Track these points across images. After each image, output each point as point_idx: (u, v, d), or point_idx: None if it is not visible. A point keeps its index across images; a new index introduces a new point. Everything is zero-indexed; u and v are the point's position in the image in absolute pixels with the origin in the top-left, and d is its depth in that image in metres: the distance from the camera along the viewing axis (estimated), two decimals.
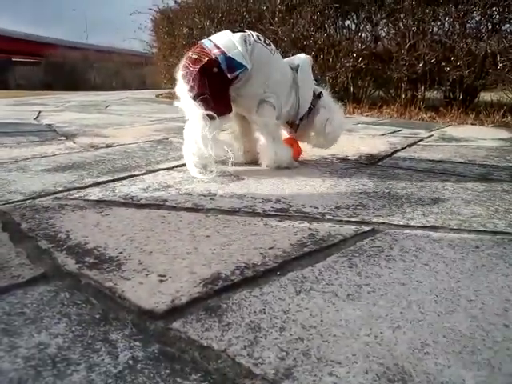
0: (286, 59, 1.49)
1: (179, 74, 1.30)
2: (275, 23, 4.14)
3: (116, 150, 1.79)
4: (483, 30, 3.27)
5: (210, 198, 1.09)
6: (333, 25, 4.02)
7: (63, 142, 2.00)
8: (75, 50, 16.35)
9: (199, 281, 0.65)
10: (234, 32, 1.33)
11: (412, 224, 0.92)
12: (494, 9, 3.15)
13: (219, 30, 1.37)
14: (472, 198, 1.13)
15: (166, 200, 1.07)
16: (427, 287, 0.64)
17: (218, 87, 1.27)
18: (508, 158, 1.75)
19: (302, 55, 1.52)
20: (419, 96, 3.68)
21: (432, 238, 0.84)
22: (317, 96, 1.50)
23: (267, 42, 1.38)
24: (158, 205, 1.03)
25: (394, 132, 2.54)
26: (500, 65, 3.06)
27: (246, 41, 1.30)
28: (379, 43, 3.85)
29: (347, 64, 3.74)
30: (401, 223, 0.92)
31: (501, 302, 0.61)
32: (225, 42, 1.29)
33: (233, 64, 1.26)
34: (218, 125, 1.28)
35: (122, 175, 1.33)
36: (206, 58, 1.25)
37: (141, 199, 1.08)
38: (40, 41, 18.88)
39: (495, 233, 0.88)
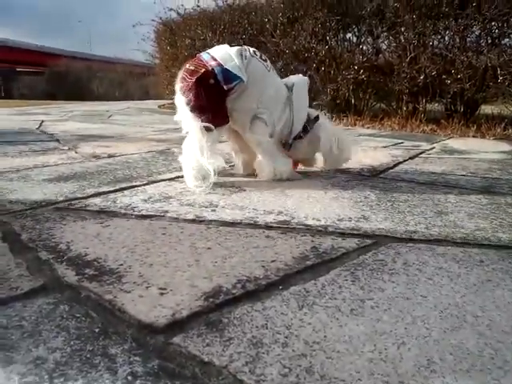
0: (283, 79, 1.49)
1: (177, 85, 1.31)
2: (277, 35, 4.18)
3: (118, 160, 1.79)
4: (483, 44, 3.30)
5: (212, 210, 1.08)
6: (334, 37, 4.05)
7: (65, 151, 2.01)
8: (79, 60, 16.47)
9: (200, 294, 0.64)
10: (231, 46, 1.35)
11: (415, 237, 0.91)
12: (493, 24, 3.18)
13: (221, 42, 1.39)
14: (475, 211, 1.12)
15: (167, 211, 1.06)
16: (432, 302, 0.63)
17: (214, 98, 1.28)
18: (510, 170, 1.74)
19: (300, 75, 1.53)
20: (420, 108, 3.69)
21: (436, 252, 0.83)
22: (314, 119, 1.49)
23: (263, 57, 1.39)
24: (159, 216, 1.03)
25: (396, 144, 2.54)
26: (500, 78, 3.08)
27: (242, 54, 1.31)
28: (380, 56, 3.88)
29: (348, 76, 3.75)
30: (404, 236, 0.92)
31: (508, 318, 0.59)
32: (222, 54, 1.30)
33: (229, 76, 1.27)
34: (216, 136, 1.30)
35: (123, 186, 1.32)
36: (203, 70, 1.26)
37: (142, 210, 1.07)
38: (44, 51, 19.03)
39: (500, 247, 0.87)
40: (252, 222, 0.99)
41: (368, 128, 3.55)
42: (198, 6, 5.23)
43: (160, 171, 1.56)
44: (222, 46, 1.36)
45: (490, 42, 3.28)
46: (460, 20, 3.21)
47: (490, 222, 1.03)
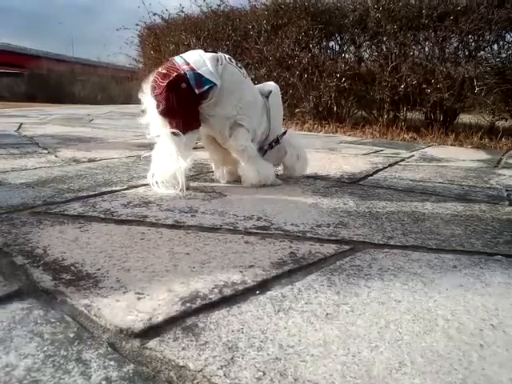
0: (256, 86, 1.51)
1: (148, 88, 1.30)
2: (261, 42, 4.21)
3: (98, 164, 1.78)
4: (461, 56, 3.40)
5: (192, 215, 1.08)
6: (317, 45, 4.10)
7: (45, 155, 1.98)
8: (60, 62, 16.26)
9: (177, 299, 0.64)
10: (206, 52, 1.35)
11: (391, 243, 0.93)
12: (469, 36, 3.29)
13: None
14: (450, 218, 1.15)
15: (146, 216, 1.06)
16: (405, 307, 0.65)
17: (185, 103, 1.27)
18: (485, 178, 1.79)
19: (272, 83, 1.56)
20: (401, 117, 3.76)
21: (411, 258, 0.85)
22: (283, 133, 1.55)
23: (239, 65, 1.40)
24: (138, 221, 1.02)
25: (376, 152, 2.57)
26: (477, 89, 3.16)
27: (218, 60, 1.31)
28: (362, 64, 3.94)
29: (331, 84, 3.80)
30: (380, 242, 0.93)
31: (477, 321, 0.61)
32: (195, 59, 1.30)
33: (201, 80, 1.27)
34: (187, 141, 1.30)
35: (103, 190, 1.31)
36: (175, 73, 1.26)
37: (121, 215, 1.07)
38: (24, 52, 18.73)
39: (472, 252, 0.90)
40: (232, 227, 1.00)
41: (349, 135, 3.60)
42: (182, 12, 5.24)
43: (140, 176, 1.55)
44: (196, 50, 1.37)
45: (467, 54, 3.38)
46: (439, 32, 3.29)
47: (465, 229, 1.06)
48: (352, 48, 4.01)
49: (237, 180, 1.49)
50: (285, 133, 1.56)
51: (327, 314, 0.62)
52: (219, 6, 4.72)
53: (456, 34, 3.25)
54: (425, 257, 0.86)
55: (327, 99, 3.93)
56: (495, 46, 3.30)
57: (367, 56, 3.95)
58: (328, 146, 2.78)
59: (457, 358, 0.52)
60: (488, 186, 1.64)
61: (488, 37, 3.23)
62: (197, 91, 1.27)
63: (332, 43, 4.14)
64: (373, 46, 3.84)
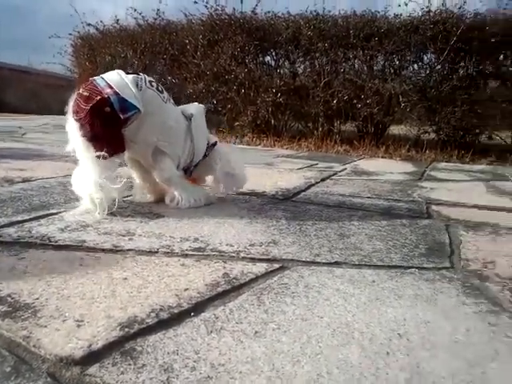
0: (179, 107, 1.50)
1: (69, 111, 1.28)
2: (198, 57, 4.26)
3: (34, 185, 1.73)
4: (387, 73, 3.66)
5: (129, 238, 1.11)
6: (253, 60, 4.22)
7: None
8: None
9: (116, 325, 0.68)
10: (128, 74, 1.33)
11: (318, 260, 1.01)
12: (393, 56, 3.57)
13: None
14: (374, 233, 1.25)
15: (84, 241, 1.07)
16: (326, 322, 0.72)
17: (109, 127, 1.26)
18: (409, 192, 1.95)
19: (196, 104, 1.55)
20: (335, 130, 3.95)
21: (335, 274, 0.93)
22: (211, 145, 1.53)
23: (160, 88, 1.39)
24: (77, 246, 1.03)
25: (311, 166, 2.70)
26: (402, 105, 3.42)
27: (137, 84, 1.30)
28: (297, 79, 4.10)
29: (267, 99, 3.92)
30: (308, 260, 1.01)
31: (387, 332, 0.70)
32: (118, 82, 1.28)
33: (126, 105, 1.26)
34: (111, 165, 1.30)
35: (39, 214, 1.29)
36: (98, 97, 1.24)
37: (59, 240, 1.07)
38: None
39: (391, 267, 1.00)
40: (168, 250, 1.03)
41: (287, 149, 3.73)
42: (118, 23, 5.17)
43: (78, 197, 1.53)
44: (117, 71, 1.34)
45: (392, 71, 3.65)
46: (366, 51, 3.53)
47: (386, 244, 1.16)
48: (287, 64, 4.18)
49: (161, 198, 1.50)
50: (214, 144, 1.54)
51: (256, 332, 0.68)
52: (155, 19, 4.72)
53: (382, 53, 3.51)
54: (348, 272, 0.95)
55: (264, 113, 4.06)
56: (415, 66, 3.60)
57: (301, 71, 4.12)
58: (265, 160, 2.87)
59: (366, 366, 0.60)
60: (411, 199, 1.79)
61: (409, 57, 3.53)
62: (122, 116, 1.26)
63: (268, 58, 4.29)
64: (306, 62, 4.03)
